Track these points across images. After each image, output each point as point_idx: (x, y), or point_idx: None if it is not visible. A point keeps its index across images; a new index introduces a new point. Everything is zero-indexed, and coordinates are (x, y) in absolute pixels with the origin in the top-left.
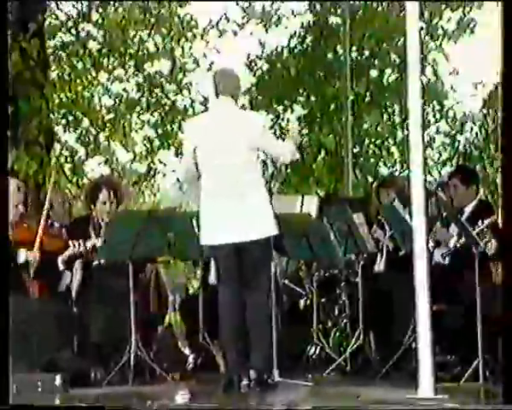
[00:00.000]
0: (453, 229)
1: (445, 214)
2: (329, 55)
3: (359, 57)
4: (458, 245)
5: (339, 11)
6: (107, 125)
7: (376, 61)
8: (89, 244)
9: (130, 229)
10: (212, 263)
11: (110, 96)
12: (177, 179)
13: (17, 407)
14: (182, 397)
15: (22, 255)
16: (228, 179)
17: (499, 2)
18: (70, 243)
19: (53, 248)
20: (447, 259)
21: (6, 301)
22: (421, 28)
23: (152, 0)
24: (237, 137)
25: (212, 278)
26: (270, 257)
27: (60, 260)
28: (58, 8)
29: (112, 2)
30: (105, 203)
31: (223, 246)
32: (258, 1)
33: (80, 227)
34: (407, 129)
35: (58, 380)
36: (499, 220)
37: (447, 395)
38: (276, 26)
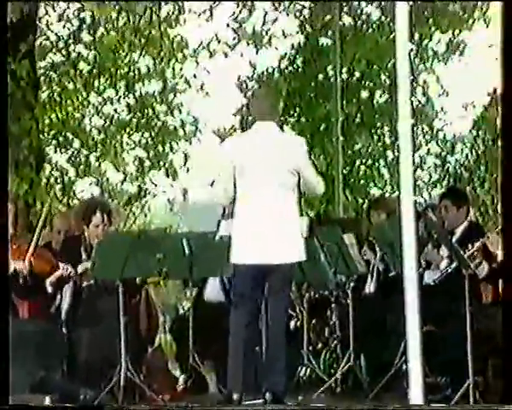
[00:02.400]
0: (443, 251)
1: (435, 236)
2: (320, 76)
3: (350, 78)
4: (449, 268)
5: (329, 32)
6: (98, 145)
7: (367, 83)
8: (80, 266)
9: (121, 250)
10: (211, 279)
11: (101, 117)
12: (168, 200)
13: (17, 407)
14: None
15: (12, 267)
16: (265, 202)
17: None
18: (60, 265)
19: (43, 269)
20: (438, 280)
21: (6, 302)
22: (411, 50)
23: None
24: (280, 160)
25: (208, 295)
26: (291, 281)
27: (48, 282)
28: (49, 29)
29: (103, 24)
30: (98, 226)
31: (252, 266)
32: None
33: (71, 249)
34: (397, 150)
35: (47, 401)
36: (489, 243)
37: None
38: (267, 47)
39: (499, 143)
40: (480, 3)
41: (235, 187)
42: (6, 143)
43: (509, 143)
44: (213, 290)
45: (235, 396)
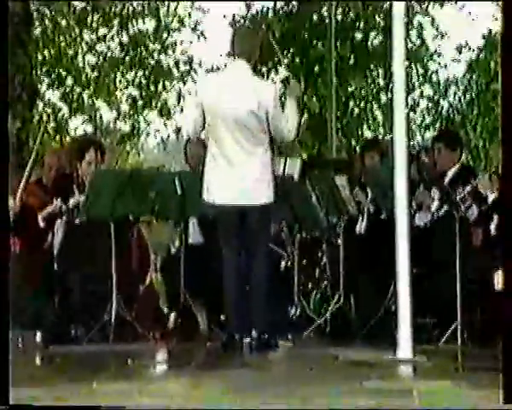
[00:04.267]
0: (435, 193)
1: (427, 178)
2: (314, 17)
3: (344, 20)
4: (440, 210)
5: None
6: (91, 83)
7: (361, 24)
8: (72, 202)
9: (113, 188)
10: (192, 223)
11: (94, 55)
12: (162, 139)
13: (17, 407)
14: (162, 356)
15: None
16: (234, 142)
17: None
18: (53, 200)
19: (34, 204)
20: (428, 222)
21: (6, 300)
22: None
23: None
24: (245, 101)
25: (193, 238)
26: (269, 222)
27: (40, 217)
28: None
29: None
30: (90, 164)
31: (224, 206)
32: None
33: (63, 185)
34: (391, 92)
35: (38, 337)
36: (480, 185)
37: (425, 356)
38: None
39: (492, 87)
40: None
41: (203, 125)
42: (6, 143)
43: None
44: (194, 235)
45: (235, 335)
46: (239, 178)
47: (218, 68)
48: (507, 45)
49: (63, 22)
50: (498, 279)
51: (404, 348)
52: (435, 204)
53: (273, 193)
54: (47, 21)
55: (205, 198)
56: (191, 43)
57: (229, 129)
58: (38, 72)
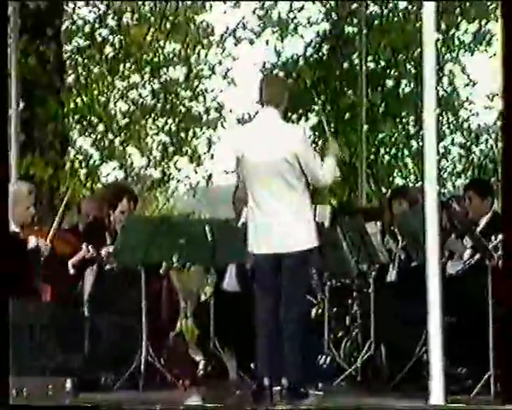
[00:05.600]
0: (467, 241)
1: (459, 226)
2: (345, 65)
3: (375, 67)
4: (472, 259)
5: (355, 20)
6: (123, 130)
7: (392, 71)
8: (104, 250)
9: (143, 235)
10: (230, 270)
11: (126, 102)
12: (191, 186)
13: (17, 407)
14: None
15: (32, 244)
16: (268, 191)
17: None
18: (83, 246)
19: (65, 251)
20: (460, 271)
21: (6, 302)
22: (438, 39)
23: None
24: (277, 149)
25: (229, 285)
26: (305, 270)
27: (70, 263)
28: (75, 13)
29: (129, 9)
30: (123, 213)
31: (264, 256)
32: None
33: (95, 232)
34: (422, 140)
35: (68, 384)
36: None
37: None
38: (292, 35)
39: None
40: None
41: (241, 176)
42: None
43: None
44: (230, 281)
45: (266, 381)
46: (274, 227)
47: (249, 115)
48: (507, 45)
49: (95, 70)
50: None
51: (436, 397)
52: (467, 253)
53: (312, 239)
54: (80, 69)
55: (249, 249)
56: (221, 91)
57: (263, 178)
58: (70, 119)
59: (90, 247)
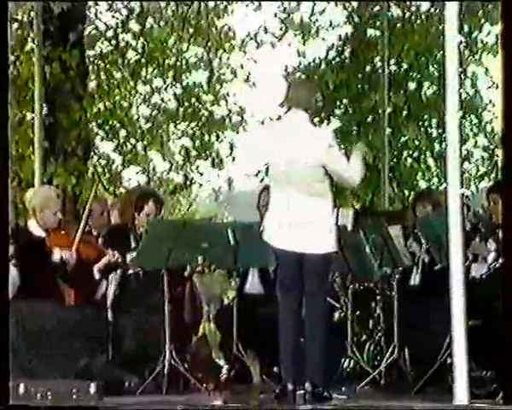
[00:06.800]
0: (491, 244)
1: (483, 229)
2: (367, 68)
3: (397, 70)
4: (497, 262)
5: (377, 23)
6: (145, 134)
7: (415, 74)
8: (129, 254)
9: (166, 238)
10: (252, 273)
11: (148, 106)
12: (213, 190)
13: (16, 407)
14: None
15: (57, 255)
16: (293, 192)
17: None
18: (109, 251)
19: (90, 255)
20: (485, 274)
21: (6, 301)
22: (460, 41)
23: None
24: (303, 151)
25: (252, 288)
26: (327, 273)
27: (96, 268)
28: (97, 18)
29: (151, 14)
30: (148, 215)
31: (283, 251)
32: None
33: (120, 236)
34: (445, 142)
35: (93, 388)
36: None
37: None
38: (314, 38)
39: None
40: None
41: (268, 179)
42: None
43: None
44: (253, 284)
45: (289, 385)
46: (298, 225)
47: (271, 119)
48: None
49: (118, 75)
50: None
51: (461, 401)
52: (492, 255)
53: (334, 243)
54: (102, 74)
55: (264, 238)
56: (243, 94)
57: (289, 181)
58: (93, 124)
59: (115, 251)
